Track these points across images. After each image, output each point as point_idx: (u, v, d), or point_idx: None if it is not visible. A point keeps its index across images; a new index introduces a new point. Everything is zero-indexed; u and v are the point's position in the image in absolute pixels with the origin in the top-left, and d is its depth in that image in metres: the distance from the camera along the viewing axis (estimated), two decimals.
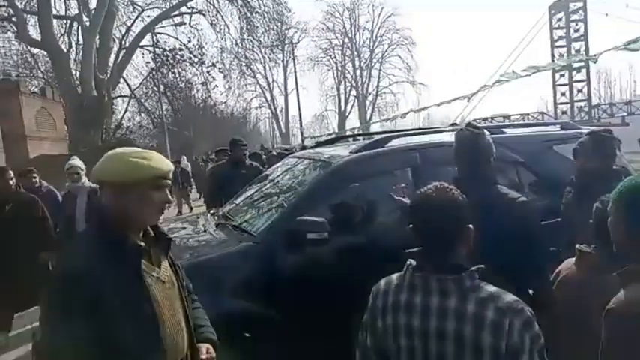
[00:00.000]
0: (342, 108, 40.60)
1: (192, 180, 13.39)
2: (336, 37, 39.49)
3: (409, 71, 39.62)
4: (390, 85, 40.86)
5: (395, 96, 40.97)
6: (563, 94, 28.90)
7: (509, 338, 1.08)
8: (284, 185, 3.37)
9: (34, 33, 18.42)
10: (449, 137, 2.63)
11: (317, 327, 2.41)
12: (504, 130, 3.32)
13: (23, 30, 17.80)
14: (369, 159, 2.94)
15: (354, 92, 41.17)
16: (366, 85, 41.06)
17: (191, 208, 12.33)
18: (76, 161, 4.38)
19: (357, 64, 40.63)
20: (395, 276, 1.29)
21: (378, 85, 40.87)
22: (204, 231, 3.14)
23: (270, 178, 3.72)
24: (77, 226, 3.96)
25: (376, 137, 3.34)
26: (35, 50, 21.34)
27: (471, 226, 1.23)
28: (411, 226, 1.26)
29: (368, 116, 39.06)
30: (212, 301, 2.17)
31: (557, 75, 27.97)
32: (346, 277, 2.39)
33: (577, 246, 1.60)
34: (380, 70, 40.62)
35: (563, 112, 28.18)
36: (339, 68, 40.44)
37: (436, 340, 1.15)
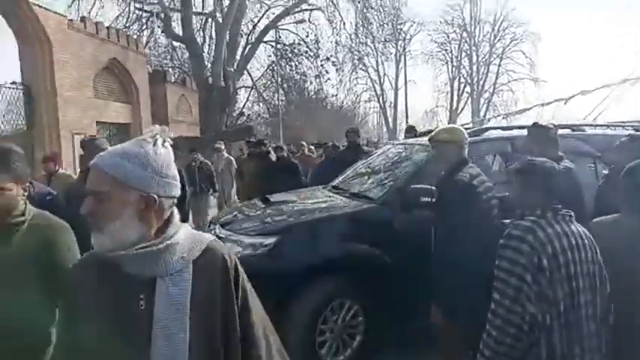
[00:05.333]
0: (455, 105, 39.29)
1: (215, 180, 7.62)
2: (454, 31, 38.20)
3: (532, 68, 36.94)
4: (509, 82, 38.49)
5: (514, 94, 38.49)
6: None
7: None
8: (392, 163, 4.15)
9: (177, 28, 20.99)
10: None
11: (418, 269, 2.96)
12: (585, 128, 4.03)
13: (168, 26, 20.40)
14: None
15: (467, 89, 39.55)
16: (482, 82, 39.18)
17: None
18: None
19: (474, 59, 38.91)
20: (541, 224, 1.69)
21: (495, 82, 38.75)
22: (328, 197, 4.01)
23: (374, 159, 4.57)
24: None
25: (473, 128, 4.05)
26: (175, 43, 24.24)
27: None
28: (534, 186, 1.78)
29: (482, 114, 37.29)
30: (343, 244, 3.24)
31: None
32: None
33: None
34: (499, 65, 38.45)
35: None
36: (455, 63, 39.13)
37: (583, 251, 1.71)
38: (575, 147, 3.21)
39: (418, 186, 3.19)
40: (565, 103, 12.69)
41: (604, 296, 1.73)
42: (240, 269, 1.18)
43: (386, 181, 3.79)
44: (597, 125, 4.39)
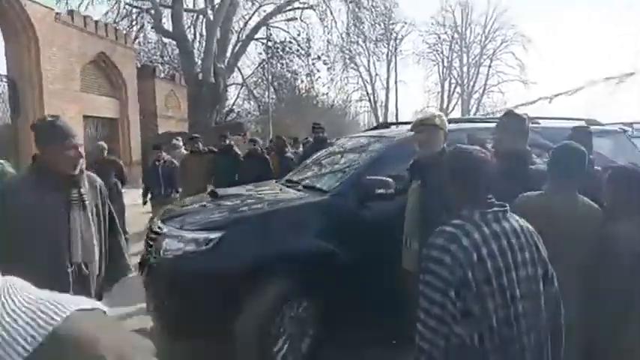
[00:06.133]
0: (445, 105, 39.55)
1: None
2: (446, 32, 38.47)
3: (522, 70, 37.34)
4: (499, 83, 38.89)
5: (504, 95, 38.91)
6: None
7: None
8: (348, 156, 4.01)
9: (167, 24, 20.90)
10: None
11: (372, 262, 2.98)
12: (539, 121, 3.96)
13: (159, 22, 20.29)
14: None
15: (458, 89, 39.87)
16: (472, 83, 39.53)
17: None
18: None
19: (464, 60, 39.24)
20: (466, 229, 1.43)
21: (485, 84, 39.14)
22: (280, 190, 3.84)
23: (331, 152, 4.42)
24: None
25: None
26: (165, 40, 24.13)
27: None
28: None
29: (471, 114, 37.64)
30: (294, 240, 3.00)
31: None
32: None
33: None
34: (489, 67, 38.82)
35: None
36: (446, 64, 39.42)
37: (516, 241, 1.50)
38: (532, 140, 3.24)
39: (374, 177, 3.08)
40: (550, 102, 12.88)
41: (551, 297, 1.52)
42: None
43: (340, 173, 3.62)
44: (550, 118, 4.40)
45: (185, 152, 7.47)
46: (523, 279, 1.44)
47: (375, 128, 4.94)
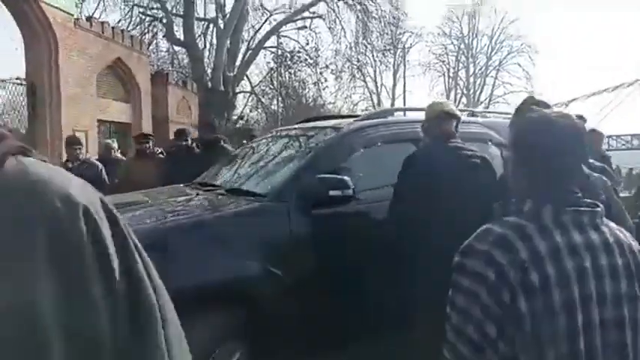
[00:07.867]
0: None
1: None
2: (452, 43, 38.75)
3: (528, 80, 37.45)
4: (505, 94, 39.00)
5: (509, 106, 38.96)
6: None
7: None
8: (285, 151, 3.26)
9: (178, 33, 21.17)
10: None
11: (330, 288, 2.46)
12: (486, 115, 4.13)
13: (170, 30, 20.56)
14: (378, 125, 3.10)
15: (464, 100, 39.98)
16: (478, 93, 39.66)
17: None
18: None
19: (470, 71, 39.43)
20: (526, 231, 0.93)
21: (491, 94, 39.27)
22: (196, 195, 3.00)
23: (258, 148, 3.65)
24: None
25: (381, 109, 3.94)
26: (176, 48, 24.41)
27: None
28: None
29: None
30: (222, 262, 2.24)
31: None
32: (372, 231, 2.58)
33: None
34: (495, 78, 38.98)
35: None
36: (451, 75, 39.61)
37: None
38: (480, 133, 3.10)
39: (327, 175, 2.53)
40: (566, 107, 13.11)
41: None
42: None
43: (277, 173, 2.89)
44: (491, 112, 4.49)
45: (120, 157, 6.44)
46: (610, 322, 0.92)
47: (308, 121, 4.12)
